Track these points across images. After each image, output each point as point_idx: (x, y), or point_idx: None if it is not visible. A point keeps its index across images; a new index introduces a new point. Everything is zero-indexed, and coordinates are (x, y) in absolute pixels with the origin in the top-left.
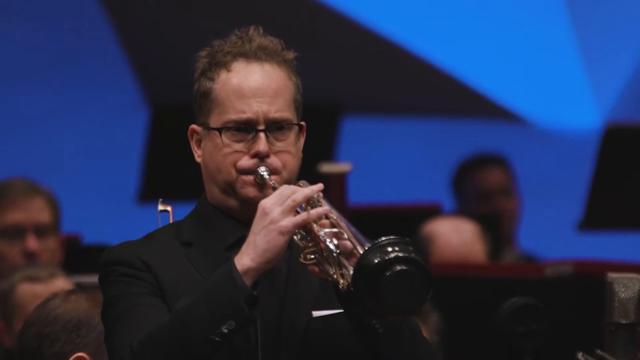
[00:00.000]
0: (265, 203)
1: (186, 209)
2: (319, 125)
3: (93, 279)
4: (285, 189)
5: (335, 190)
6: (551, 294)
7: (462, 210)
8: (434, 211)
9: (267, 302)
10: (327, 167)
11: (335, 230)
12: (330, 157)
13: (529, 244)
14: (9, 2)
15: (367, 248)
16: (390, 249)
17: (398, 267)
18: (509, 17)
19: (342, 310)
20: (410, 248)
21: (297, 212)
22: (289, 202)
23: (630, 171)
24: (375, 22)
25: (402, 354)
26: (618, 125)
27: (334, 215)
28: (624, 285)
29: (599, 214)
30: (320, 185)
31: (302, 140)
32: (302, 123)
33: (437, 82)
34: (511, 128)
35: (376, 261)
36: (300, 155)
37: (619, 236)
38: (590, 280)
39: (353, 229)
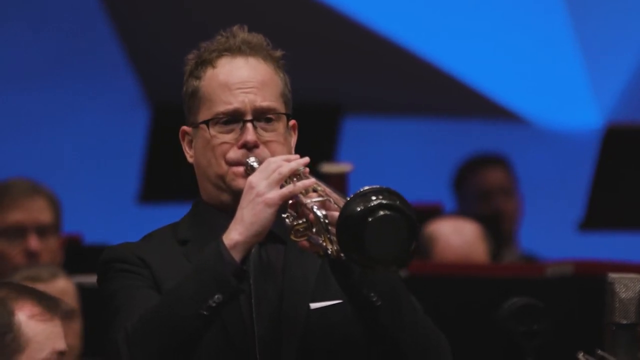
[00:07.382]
0: (252, 178)
1: (186, 209)
2: (319, 125)
3: (94, 279)
4: (271, 164)
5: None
6: (552, 294)
7: (463, 210)
8: (435, 211)
9: (265, 297)
10: (327, 167)
11: (322, 199)
12: (331, 157)
13: (529, 244)
14: (8, 2)
15: (349, 198)
16: (373, 197)
17: (381, 213)
18: (510, 17)
19: (340, 301)
20: (394, 196)
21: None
22: (275, 175)
23: (631, 171)
24: (376, 22)
25: (402, 328)
26: (619, 126)
27: (322, 187)
28: (625, 286)
29: (600, 214)
30: (306, 159)
31: (294, 138)
32: (293, 121)
33: (438, 82)
34: (512, 128)
35: (359, 209)
36: (292, 148)
37: (619, 236)
38: (591, 281)
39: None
